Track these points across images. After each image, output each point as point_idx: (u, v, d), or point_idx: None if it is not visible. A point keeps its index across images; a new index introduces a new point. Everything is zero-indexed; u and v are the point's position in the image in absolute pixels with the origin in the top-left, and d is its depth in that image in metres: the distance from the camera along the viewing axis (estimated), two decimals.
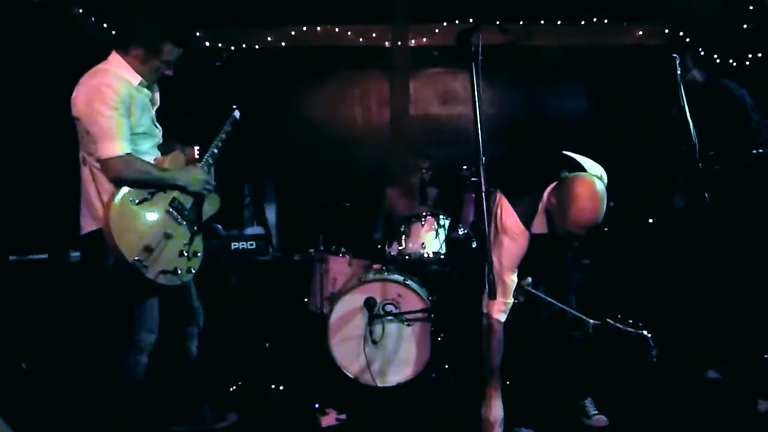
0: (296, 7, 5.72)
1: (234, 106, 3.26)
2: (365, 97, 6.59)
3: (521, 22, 5.93)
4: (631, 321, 2.47)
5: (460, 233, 4.28)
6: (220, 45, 6.02)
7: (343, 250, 4.44)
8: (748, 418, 3.16)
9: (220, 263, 4.52)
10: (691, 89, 2.84)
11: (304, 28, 6.10)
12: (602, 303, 2.84)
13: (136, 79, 2.75)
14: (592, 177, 2.65)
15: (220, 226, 4.67)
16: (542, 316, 3.18)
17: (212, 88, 4.52)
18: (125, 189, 2.59)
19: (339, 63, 6.37)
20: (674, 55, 2.84)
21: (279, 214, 6.36)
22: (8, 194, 4.05)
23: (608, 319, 2.55)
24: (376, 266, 4.17)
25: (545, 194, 2.73)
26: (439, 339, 3.82)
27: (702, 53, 4.01)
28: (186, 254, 2.76)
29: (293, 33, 6.10)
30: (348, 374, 3.76)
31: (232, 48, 6.06)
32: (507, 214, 2.80)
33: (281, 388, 3.74)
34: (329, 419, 3.28)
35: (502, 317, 2.82)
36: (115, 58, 2.75)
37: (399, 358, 3.78)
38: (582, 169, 2.74)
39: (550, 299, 2.93)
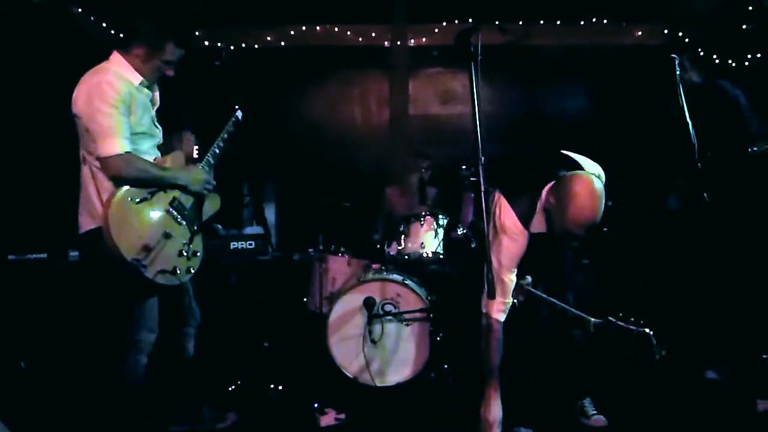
0: (296, 7, 5.72)
1: (236, 107, 3.26)
2: (365, 96, 6.59)
3: (521, 22, 5.92)
4: (633, 319, 2.46)
5: (459, 233, 4.28)
6: (219, 44, 6.01)
7: (342, 249, 4.45)
8: (747, 418, 3.16)
9: (220, 263, 4.52)
10: (689, 90, 2.84)
11: (304, 28, 6.10)
12: (601, 303, 2.84)
13: (136, 78, 2.75)
14: (590, 175, 2.64)
15: (219, 226, 4.66)
16: (541, 315, 3.18)
17: (212, 87, 4.52)
18: (125, 188, 2.59)
19: (338, 63, 6.37)
20: (673, 55, 2.85)
21: (278, 214, 6.36)
22: (7, 193, 4.05)
23: (610, 318, 2.54)
24: (375, 266, 4.17)
25: (543, 193, 2.74)
26: (438, 339, 3.82)
27: (701, 53, 4.02)
28: (185, 254, 2.76)
29: (292, 32, 6.10)
30: (347, 374, 3.76)
31: (232, 47, 6.05)
32: (506, 214, 2.80)
33: (280, 387, 3.74)
34: (328, 419, 3.28)
35: (502, 317, 2.82)
36: (116, 57, 2.76)
37: (398, 357, 3.78)
38: (580, 167, 2.74)
39: (550, 298, 2.93)
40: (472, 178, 4.23)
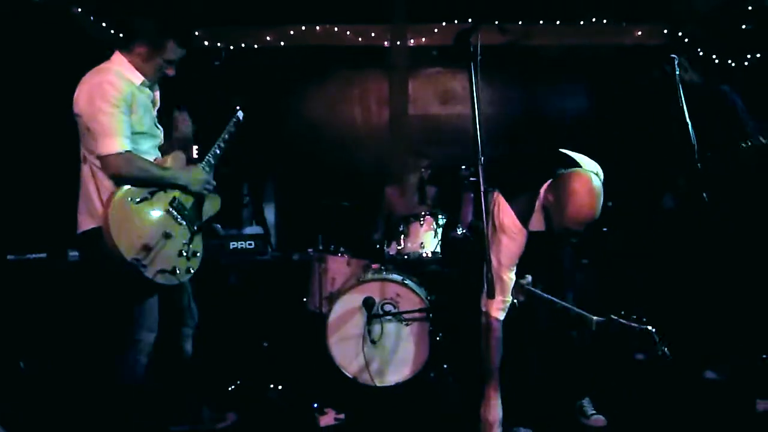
0: (295, 7, 5.71)
1: (237, 107, 3.26)
2: (364, 96, 6.59)
3: (520, 22, 5.92)
4: (635, 317, 2.46)
5: (459, 233, 4.28)
6: (219, 44, 6.01)
7: (342, 249, 4.45)
8: (747, 418, 3.16)
9: (219, 263, 4.53)
10: (689, 90, 2.85)
11: (303, 28, 6.10)
12: (601, 303, 2.84)
13: (138, 78, 2.76)
14: (588, 173, 2.65)
15: (218, 226, 4.67)
16: (540, 316, 3.18)
17: (211, 87, 4.52)
18: (125, 187, 2.59)
19: (338, 63, 6.37)
20: (673, 55, 2.85)
21: (278, 214, 6.36)
22: (7, 193, 4.05)
23: (612, 316, 2.54)
24: (374, 266, 4.17)
25: (542, 191, 2.74)
26: (438, 339, 3.82)
27: (701, 53, 4.02)
28: (185, 254, 2.76)
29: (292, 32, 6.10)
30: (347, 374, 3.77)
31: (231, 47, 6.05)
32: (504, 213, 2.80)
33: (280, 387, 3.74)
34: (328, 419, 3.28)
35: (501, 315, 2.82)
36: (117, 57, 2.76)
37: (397, 357, 3.78)
38: (578, 165, 2.74)
39: (551, 297, 2.93)
40: (471, 178, 4.24)
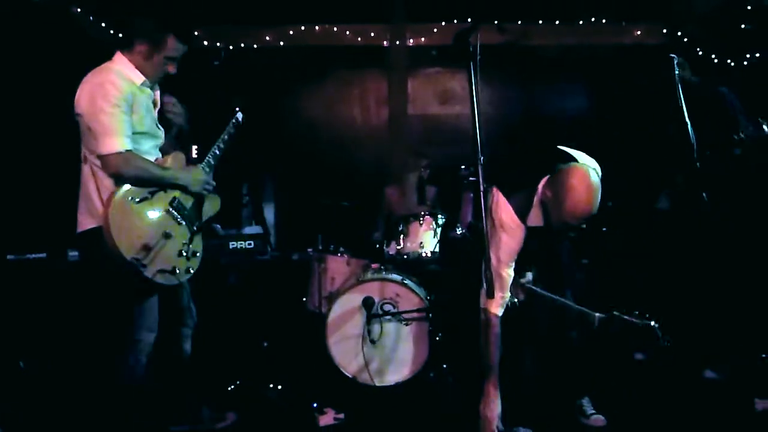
0: (294, 7, 5.72)
1: (237, 109, 3.26)
2: (364, 96, 6.60)
3: (519, 22, 5.94)
4: (637, 313, 2.46)
5: (458, 232, 4.28)
6: (218, 44, 6.01)
7: (341, 249, 4.45)
8: (746, 417, 3.16)
9: (219, 263, 4.52)
10: (688, 89, 2.85)
11: (303, 28, 6.10)
12: (601, 303, 2.84)
13: (139, 78, 2.76)
14: (586, 167, 2.66)
15: (218, 226, 4.66)
16: (540, 316, 3.18)
17: (211, 87, 4.52)
18: (126, 187, 2.59)
19: (337, 62, 6.38)
20: (672, 54, 2.85)
21: (277, 214, 6.37)
22: (7, 193, 4.05)
23: (614, 312, 2.54)
24: (374, 265, 4.18)
25: (540, 187, 2.75)
26: (437, 338, 3.82)
27: (700, 53, 4.02)
28: (185, 254, 2.76)
29: (291, 32, 6.10)
30: (346, 373, 3.77)
31: (231, 47, 6.05)
32: (503, 209, 2.81)
33: (279, 387, 3.74)
34: (327, 418, 3.28)
35: (500, 311, 2.82)
36: (119, 57, 2.77)
37: (397, 357, 3.78)
38: (575, 160, 2.75)
39: (552, 295, 2.92)
40: (471, 178, 4.24)
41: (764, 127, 3.49)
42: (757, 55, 5.41)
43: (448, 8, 5.73)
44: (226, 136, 3.13)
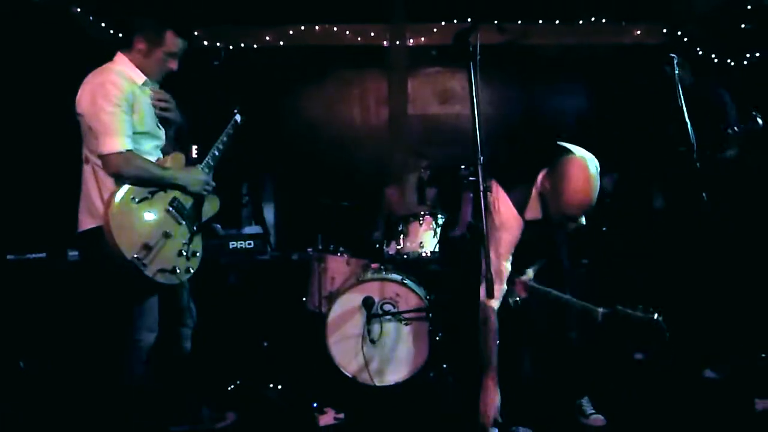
0: (294, 7, 5.72)
1: (235, 111, 3.26)
2: (364, 96, 6.60)
3: (519, 22, 5.93)
4: (641, 306, 2.45)
5: (457, 233, 4.28)
6: (218, 44, 6.01)
7: (341, 249, 4.45)
8: (745, 417, 3.16)
9: (219, 262, 4.53)
10: (687, 89, 2.86)
11: (303, 28, 6.10)
12: (600, 303, 2.83)
13: (140, 78, 2.77)
14: (584, 158, 2.66)
15: (218, 226, 4.67)
16: (539, 315, 3.18)
17: (211, 87, 4.53)
18: (126, 187, 2.60)
19: (337, 62, 6.38)
20: (672, 54, 2.85)
21: (277, 214, 6.37)
22: (7, 193, 4.05)
23: (618, 306, 2.54)
24: (374, 265, 4.18)
25: (539, 179, 2.76)
26: (437, 338, 3.82)
27: (700, 53, 4.02)
28: (185, 254, 2.76)
29: (291, 32, 6.10)
30: (346, 373, 3.77)
31: (231, 47, 6.05)
32: (501, 202, 2.82)
33: (279, 387, 3.74)
34: (327, 418, 3.28)
35: (496, 304, 2.82)
36: (119, 57, 2.78)
37: (397, 357, 3.78)
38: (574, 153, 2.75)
39: (554, 291, 2.92)
40: (471, 178, 4.23)
41: (758, 120, 3.49)
42: (757, 54, 5.41)
43: (448, 8, 5.73)
44: (225, 138, 3.13)
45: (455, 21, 5.95)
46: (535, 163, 2.80)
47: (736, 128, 3.57)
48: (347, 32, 6.13)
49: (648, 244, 4.44)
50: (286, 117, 6.32)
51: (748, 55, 5.48)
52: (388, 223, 4.76)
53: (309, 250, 4.76)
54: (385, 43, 6.22)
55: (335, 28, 6.13)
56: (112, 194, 2.56)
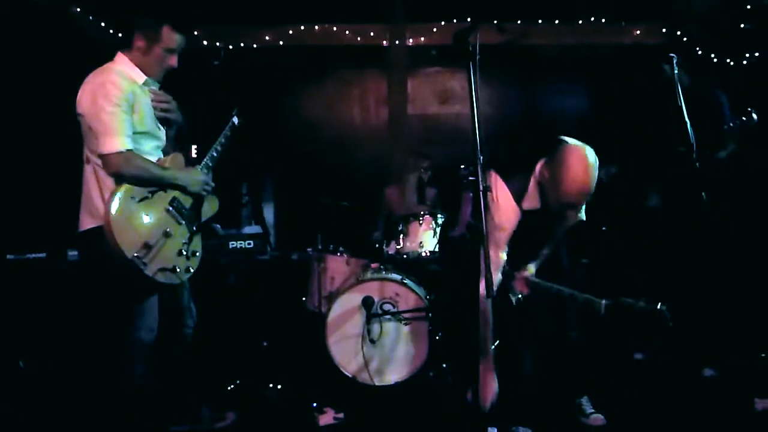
0: (294, 7, 5.72)
1: (233, 112, 3.26)
2: (363, 96, 6.60)
3: (519, 22, 5.93)
4: (644, 297, 2.45)
5: (458, 232, 4.28)
6: (218, 44, 6.01)
7: (341, 249, 4.45)
8: (745, 416, 3.16)
9: (218, 262, 4.52)
10: (687, 89, 2.86)
11: (302, 27, 6.10)
12: (601, 298, 2.83)
13: (140, 77, 2.78)
14: (582, 146, 2.67)
15: (218, 226, 4.66)
16: (540, 314, 3.18)
17: (210, 87, 4.52)
18: (126, 186, 2.60)
19: (337, 62, 6.38)
20: (671, 54, 2.85)
21: (277, 213, 6.36)
22: (7, 193, 4.05)
23: (621, 297, 2.54)
24: (374, 265, 4.18)
25: (537, 168, 2.77)
26: (437, 338, 3.82)
27: (699, 53, 4.02)
28: (185, 253, 2.76)
29: (291, 32, 6.10)
30: (346, 373, 3.77)
31: (230, 47, 6.05)
32: (500, 191, 2.82)
33: (279, 387, 3.74)
34: (327, 418, 3.28)
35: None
36: (120, 57, 2.79)
37: (397, 357, 3.79)
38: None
39: (556, 285, 2.91)
40: (471, 178, 4.23)
41: (753, 115, 3.50)
42: (757, 54, 5.41)
43: (448, 8, 5.72)
44: (222, 140, 3.13)
45: (455, 21, 5.94)
46: (533, 155, 2.82)
47: (731, 124, 3.58)
48: (347, 32, 6.13)
49: (647, 244, 4.44)
50: (286, 117, 6.31)
51: (747, 55, 5.48)
52: (387, 223, 4.76)
53: (309, 250, 4.76)
54: (384, 43, 6.22)
55: (335, 28, 6.12)
56: (113, 193, 2.56)
